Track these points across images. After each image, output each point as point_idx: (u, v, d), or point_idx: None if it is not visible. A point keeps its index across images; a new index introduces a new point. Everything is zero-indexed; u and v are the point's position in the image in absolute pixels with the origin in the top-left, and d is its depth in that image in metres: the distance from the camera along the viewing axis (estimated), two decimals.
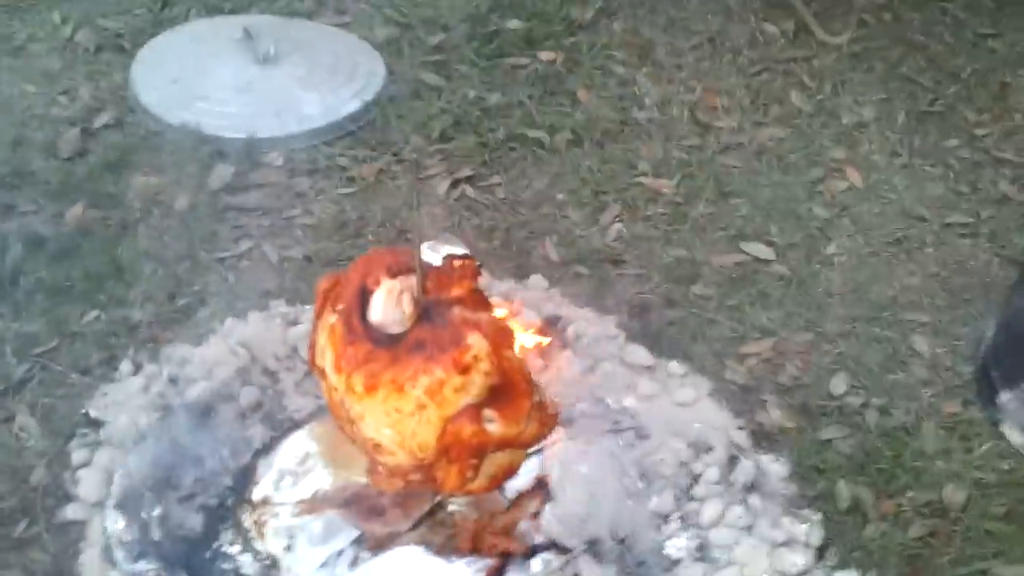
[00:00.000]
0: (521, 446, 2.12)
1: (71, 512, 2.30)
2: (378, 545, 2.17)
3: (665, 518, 2.33)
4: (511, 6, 3.89)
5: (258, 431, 2.43)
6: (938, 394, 2.68)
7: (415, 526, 2.20)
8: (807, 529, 2.32)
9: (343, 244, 3.01)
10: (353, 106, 3.46)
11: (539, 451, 2.27)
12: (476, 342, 1.94)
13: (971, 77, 3.72)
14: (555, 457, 2.30)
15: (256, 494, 2.28)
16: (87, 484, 2.33)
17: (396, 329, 1.97)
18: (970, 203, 3.25)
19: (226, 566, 2.20)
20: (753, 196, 3.23)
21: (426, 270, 1.99)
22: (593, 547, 2.21)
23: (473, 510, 2.23)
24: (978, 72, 3.74)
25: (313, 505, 2.24)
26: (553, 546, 2.19)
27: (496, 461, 2.09)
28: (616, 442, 2.43)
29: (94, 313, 2.73)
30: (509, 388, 2.02)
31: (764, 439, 2.54)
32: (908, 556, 2.34)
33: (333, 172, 3.25)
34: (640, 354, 2.68)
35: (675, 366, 2.67)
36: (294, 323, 2.68)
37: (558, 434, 2.30)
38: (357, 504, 2.23)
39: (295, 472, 2.30)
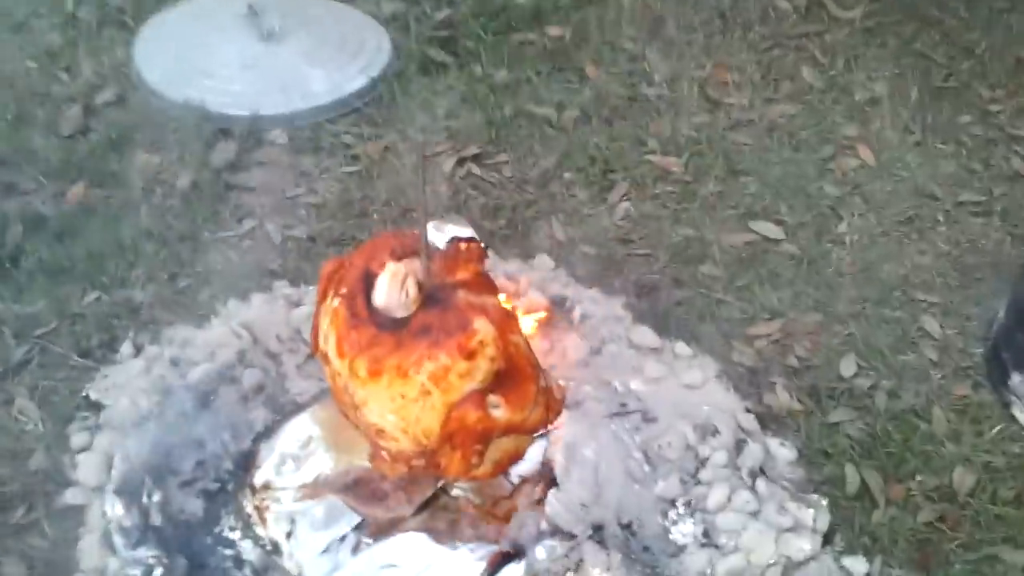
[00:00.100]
0: (527, 431, 2.10)
1: (70, 497, 2.29)
2: (380, 531, 2.16)
3: (671, 503, 2.30)
4: None
5: (260, 414, 2.41)
6: (948, 376, 2.66)
7: (418, 511, 2.18)
8: (814, 514, 2.29)
9: (347, 223, 2.98)
10: (359, 83, 3.43)
11: (544, 435, 2.25)
12: (482, 327, 1.92)
13: (986, 52, 3.67)
14: (560, 441, 2.27)
15: (258, 479, 2.26)
16: (87, 468, 2.31)
17: (401, 313, 1.95)
18: (983, 181, 3.20)
19: (227, 552, 2.19)
20: (763, 174, 3.19)
21: (431, 253, 1.96)
22: (598, 533, 2.19)
23: (476, 495, 2.21)
24: (993, 47, 3.69)
25: (315, 490, 2.22)
26: (557, 532, 2.16)
27: (501, 447, 2.07)
28: (622, 425, 2.41)
29: (95, 294, 2.72)
30: (515, 373, 2.01)
31: (772, 422, 2.51)
32: (917, 541, 2.32)
33: (338, 150, 3.23)
34: (647, 335, 2.65)
35: (682, 348, 2.64)
36: (297, 304, 2.66)
37: (563, 417, 2.28)
38: (359, 489, 2.21)
39: (297, 456, 2.28)
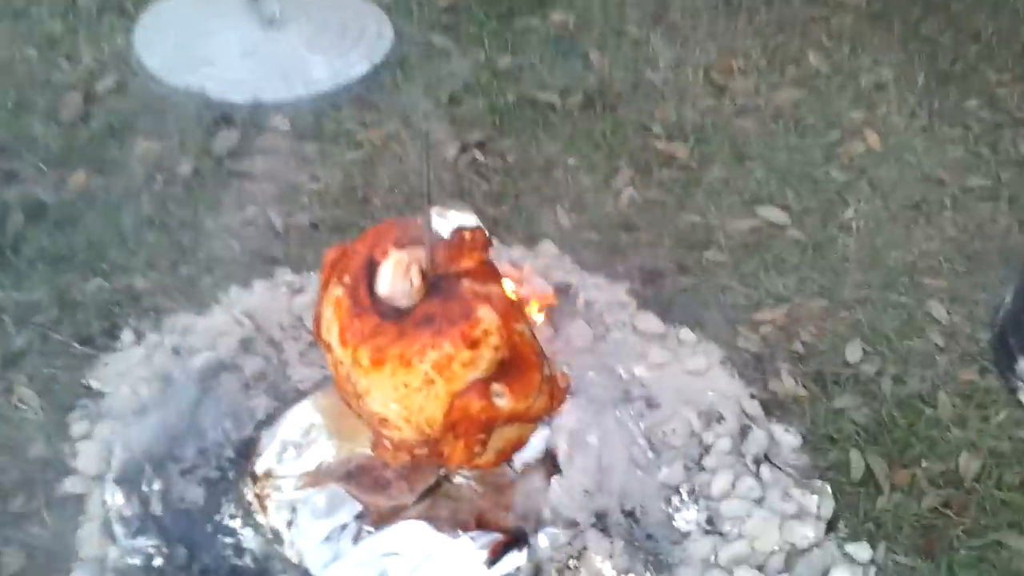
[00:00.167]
0: (530, 420, 2.09)
1: (70, 486, 2.27)
2: (382, 519, 2.14)
3: (675, 490, 2.30)
4: None
5: (262, 402, 2.40)
6: (955, 361, 2.64)
7: (419, 500, 2.16)
8: (818, 501, 2.28)
9: (350, 211, 2.97)
10: (361, 69, 3.42)
11: (547, 422, 2.23)
12: (486, 316, 1.91)
13: (992, 36, 3.64)
14: (563, 428, 2.26)
15: (259, 467, 2.25)
16: (87, 457, 2.30)
17: (404, 302, 1.93)
18: (990, 166, 3.18)
19: (228, 540, 2.18)
20: (769, 159, 3.17)
21: (435, 242, 1.94)
22: (601, 520, 2.18)
23: (479, 483, 2.20)
24: (1000, 31, 3.66)
25: (316, 478, 2.20)
26: (560, 520, 2.15)
27: (504, 435, 2.06)
28: (626, 412, 2.40)
29: (96, 281, 2.70)
30: (519, 362, 1.99)
31: (777, 408, 2.50)
32: (921, 527, 2.31)
33: (340, 137, 3.21)
34: (651, 322, 2.64)
35: (687, 334, 2.63)
36: (299, 291, 2.65)
37: (567, 404, 2.25)
38: (361, 477, 2.20)
39: (299, 444, 2.26)
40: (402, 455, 2.08)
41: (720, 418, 2.40)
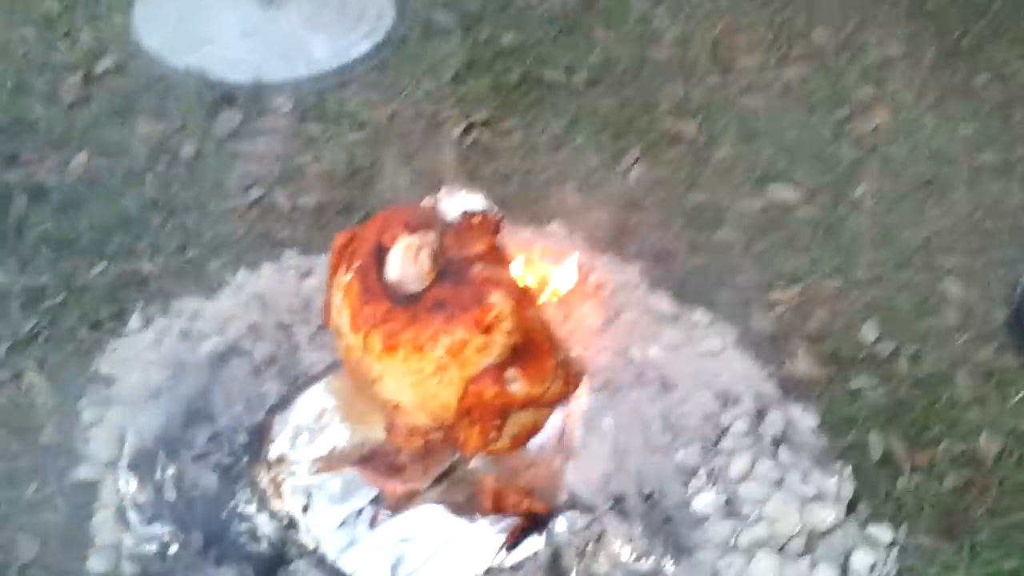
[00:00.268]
0: (545, 405, 2.06)
1: (83, 472, 2.25)
2: (398, 504, 2.12)
3: (693, 472, 2.27)
4: None
5: (273, 386, 2.37)
6: (971, 340, 2.61)
7: (434, 484, 2.14)
8: (838, 482, 2.26)
9: (355, 191, 2.93)
10: (362, 48, 3.39)
11: (562, 406, 2.21)
12: (499, 301, 1.88)
13: (1001, 11, 3.60)
14: (578, 412, 2.24)
15: (272, 452, 2.22)
16: (98, 443, 2.28)
17: (415, 287, 1.91)
18: (1001, 142, 3.15)
19: (243, 526, 2.15)
20: (777, 137, 3.14)
21: (445, 226, 1.91)
22: (619, 504, 2.16)
23: (494, 467, 2.17)
24: (1007, 6, 3.62)
25: (330, 463, 2.18)
26: (577, 504, 2.13)
27: (519, 420, 2.03)
28: (640, 394, 2.37)
29: (102, 265, 2.68)
30: (532, 347, 1.96)
31: (793, 389, 2.47)
32: (942, 508, 2.28)
33: (343, 118, 3.17)
34: (664, 302, 2.61)
35: (700, 314, 2.60)
36: (307, 274, 2.63)
37: (581, 387, 2.23)
38: (375, 461, 2.17)
39: (311, 428, 2.24)
40: (416, 440, 2.05)
41: (736, 399, 2.38)
